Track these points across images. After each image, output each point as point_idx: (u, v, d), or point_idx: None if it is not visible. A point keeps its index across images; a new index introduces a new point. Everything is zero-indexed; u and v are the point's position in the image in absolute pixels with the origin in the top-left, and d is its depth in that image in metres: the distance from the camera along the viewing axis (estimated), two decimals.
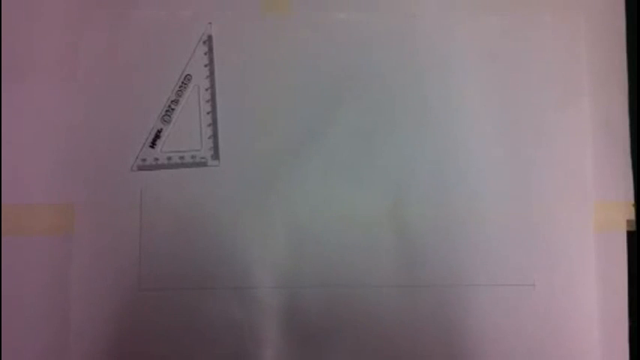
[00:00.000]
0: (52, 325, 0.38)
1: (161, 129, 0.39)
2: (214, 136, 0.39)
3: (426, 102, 0.40)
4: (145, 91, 0.39)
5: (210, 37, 0.40)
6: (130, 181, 0.38)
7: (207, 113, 0.39)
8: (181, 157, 0.39)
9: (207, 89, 0.39)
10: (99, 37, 0.39)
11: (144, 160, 0.39)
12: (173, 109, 0.39)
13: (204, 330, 0.38)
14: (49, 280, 0.38)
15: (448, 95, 0.40)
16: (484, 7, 0.41)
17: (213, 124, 0.39)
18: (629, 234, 0.40)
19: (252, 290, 0.38)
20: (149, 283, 0.38)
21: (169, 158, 0.39)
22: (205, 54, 0.39)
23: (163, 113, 0.39)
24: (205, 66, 0.39)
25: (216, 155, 0.39)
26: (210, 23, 0.40)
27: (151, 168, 0.39)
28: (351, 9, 0.40)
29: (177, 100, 0.39)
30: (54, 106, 0.39)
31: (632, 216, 0.40)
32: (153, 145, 0.39)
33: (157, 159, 0.39)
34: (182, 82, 0.39)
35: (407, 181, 0.39)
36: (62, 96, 0.39)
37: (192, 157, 0.39)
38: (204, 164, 0.39)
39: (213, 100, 0.39)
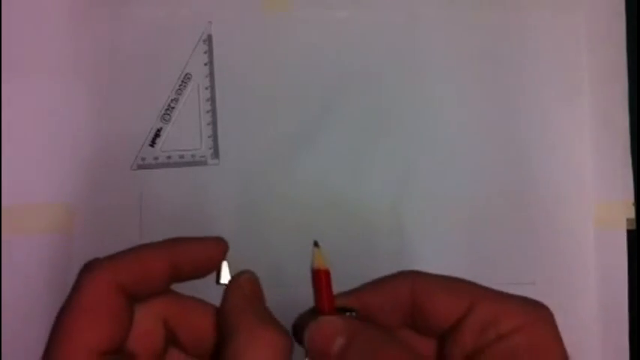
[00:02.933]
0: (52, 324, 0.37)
1: (161, 128, 0.39)
2: (214, 134, 0.39)
3: (425, 100, 0.40)
4: (144, 90, 0.39)
5: (210, 36, 0.40)
6: (129, 180, 0.38)
7: (207, 112, 0.39)
8: (181, 156, 0.39)
9: (207, 88, 0.39)
10: (99, 35, 0.39)
11: (144, 159, 0.39)
12: (173, 108, 0.39)
13: None
14: (49, 279, 0.38)
15: (448, 94, 0.40)
16: (484, 6, 0.41)
17: (213, 123, 0.39)
18: (629, 233, 0.40)
19: None
20: None
21: (169, 157, 0.39)
22: (205, 53, 0.39)
23: (163, 112, 0.39)
24: (205, 65, 0.39)
25: (215, 154, 0.39)
26: (210, 22, 0.40)
27: (150, 167, 0.39)
28: (351, 7, 0.40)
29: (177, 99, 0.39)
30: (54, 105, 0.39)
31: (633, 215, 0.40)
32: (153, 144, 0.39)
33: (156, 158, 0.39)
34: (182, 81, 0.39)
35: (406, 180, 0.39)
36: (62, 95, 0.39)
37: (192, 155, 0.39)
38: (204, 163, 0.39)
39: (213, 99, 0.39)
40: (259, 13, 0.40)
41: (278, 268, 0.38)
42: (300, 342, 0.23)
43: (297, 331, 0.23)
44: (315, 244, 0.24)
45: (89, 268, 0.21)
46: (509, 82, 0.40)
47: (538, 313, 0.22)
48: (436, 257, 0.39)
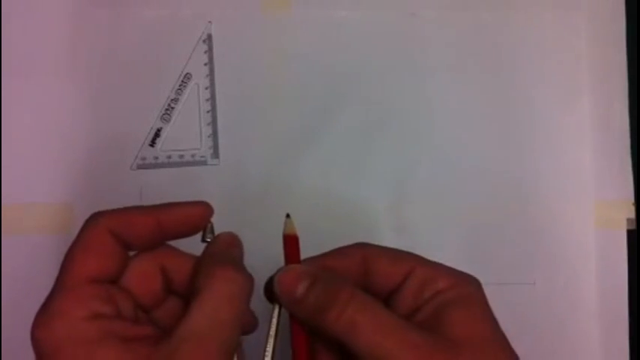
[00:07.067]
0: None
1: (161, 128, 0.39)
2: (214, 134, 0.39)
3: (426, 100, 0.40)
4: (144, 89, 0.39)
5: (210, 36, 0.40)
6: (129, 180, 0.38)
7: (207, 112, 0.39)
8: (181, 156, 0.39)
9: (206, 88, 0.39)
10: (99, 35, 0.39)
11: (143, 158, 0.39)
12: (173, 108, 0.39)
13: None
14: (49, 279, 0.38)
15: (448, 94, 0.40)
16: (484, 6, 0.41)
17: (213, 122, 0.39)
18: (629, 233, 0.40)
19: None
20: None
21: (169, 157, 0.39)
22: (205, 53, 0.40)
23: (163, 112, 0.39)
24: (205, 65, 0.39)
25: (215, 154, 0.39)
26: (210, 22, 0.40)
27: (150, 167, 0.39)
28: (351, 8, 0.40)
29: (177, 98, 0.39)
30: (54, 105, 0.39)
31: (633, 215, 0.40)
32: (152, 143, 0.39)
33: (156, 158, 0.39)
34: (182, 81, 0.39)
35: (406, 180, 0.39)
36: (62, 95, 0.39)
37: (192, 155, 0.39)
38: (203, 163, 0.39)
39: (212, 98, 0.39)
40: (259, 13, 0.40)
41: (278, 267, 0.38)
42: (271, 297, 0.26)
43: (268, 288, 0.27)
44: (287, 215, 0.29)
45: (89, 218, 0.25)
46: (509, 82, 0.40)
47: (469, 277, 0.26)
48: (435, 257, 0.39)
